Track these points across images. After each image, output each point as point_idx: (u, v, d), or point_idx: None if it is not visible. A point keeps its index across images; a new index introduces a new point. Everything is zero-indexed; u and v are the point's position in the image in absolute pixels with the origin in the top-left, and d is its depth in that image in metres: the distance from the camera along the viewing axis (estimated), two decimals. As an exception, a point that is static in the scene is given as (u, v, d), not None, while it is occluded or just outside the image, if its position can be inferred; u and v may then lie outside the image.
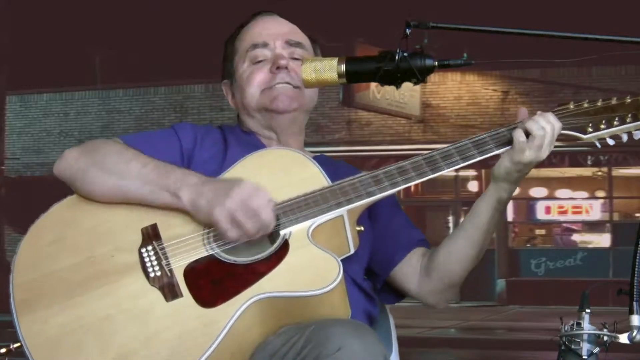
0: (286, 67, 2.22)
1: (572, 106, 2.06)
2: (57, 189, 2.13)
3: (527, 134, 1.99)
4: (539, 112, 2.03)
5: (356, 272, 2.16)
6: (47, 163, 19.74)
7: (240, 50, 2.29)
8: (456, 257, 2.15)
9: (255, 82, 2.24)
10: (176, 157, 2.15)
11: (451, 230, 17.88)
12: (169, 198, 1.98)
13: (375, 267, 2.25)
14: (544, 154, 1.99)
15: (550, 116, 2.01)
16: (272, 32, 2.28)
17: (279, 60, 2.22)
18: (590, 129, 2.04)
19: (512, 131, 2.02)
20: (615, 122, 2.03)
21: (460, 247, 2.14)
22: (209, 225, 1.97)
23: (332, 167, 2.21)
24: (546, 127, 1.99)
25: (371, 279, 2.26)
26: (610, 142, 2.05)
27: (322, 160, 2.26)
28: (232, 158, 2.13)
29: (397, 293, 2.28)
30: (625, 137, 2.05)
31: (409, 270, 2.23)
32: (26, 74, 20.27)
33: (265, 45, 2.26)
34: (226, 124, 2.37)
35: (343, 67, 2.02)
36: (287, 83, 2.22)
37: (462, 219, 19.63)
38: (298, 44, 2.28)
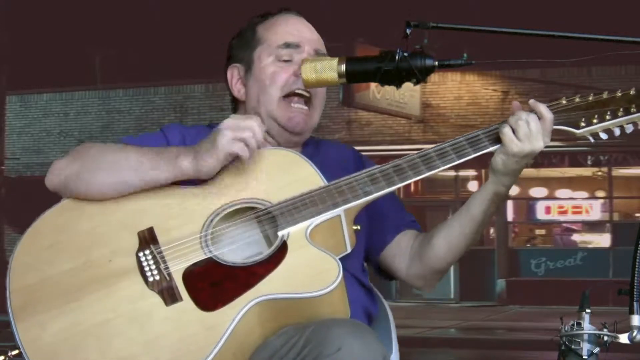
0: None
1: (564, 101, 2.07)
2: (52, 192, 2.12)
3: None
4: (530, 101, 2.03)
5: (355, 267, 2.16)
6: (47, 163, 19.52)
7: (268, 42, 2.24)
8: (448, 247, 2.15)
9: (279, 81, 2.20)
10: None
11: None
12: (169, 169, 1.99)
13: (367, 251, 2.25)
14: (538, 143, 1.98)
15: (540, 106, 2.01)
16: (306, 37, 2.25)
17: None
18: (583, 124, 2.05)
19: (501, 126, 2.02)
20: (607, 117, 2.04)
21: (453, 237, 2.14)
22: (210, 225, 1.96)
23: (319, 152, 2.25)
24: (527, 118, 1.98)
25: (368, 264, 2.27)
26: (604, 136, 2.06)
27: (311, 146, 2.29)
28: None
29: (386, 274, 2.29)
30: (617, 131, 2.05)
31: (398, 252, 2.23)
32: (26, 74, 20.27)
33: (297, 47, 2.23)
34: (217, 123, 2.34)
35: (343, 67, 2.02)
36: (307, 91, 2.19)
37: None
38: (324, 55, 2.25)
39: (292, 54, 2.22)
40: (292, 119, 2.20)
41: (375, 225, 2.24)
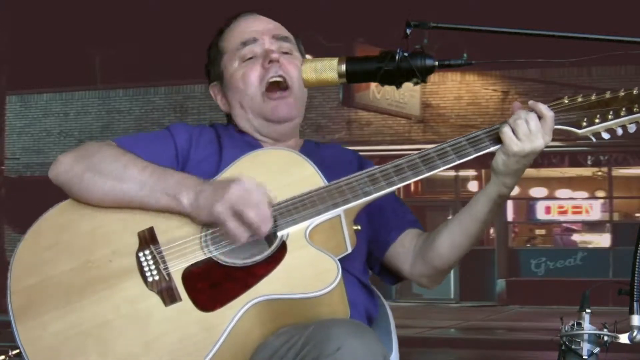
0: (278, 61, 2.21)
1: (566, 101, 2.06)
2: (57, 189, 2.12)
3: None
4: (530, 102, 2.03)
5: (356, 268, 2.16)
6: (47, 163, 19.56)
7: (229, 50, 2.28)
8: (451, 247, 2.15)
9: (252, 79, 2.22)
10: (171, 157, 2.15)
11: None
12: (168, 201, 1.98)
13: (371, 250, 2.25)
14: (538, 142, 1.97)
15: (540, 105, 2.00)
16: (259, 29, 2.27)
17: (270, 54, 2.21)
18: (585, 124, 2.04)
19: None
20: (609, 116, 2.03)
21: (456, 237, 2.14)
22: (210, 226, 1.97)
23: (319, 152, 2.24)
24: (526, 117, 1.98)
25: (368, 264, 2.27)
26: (606, 136, 2.05)
27: (309, 147, 2.28)
28: (228, 158, 2.12)
29: (393, 274, 2.29)
30: (620, 131, 2.04)
31: (402, 250, 2.23)
32: (26, 74, 20.28)
33: (254, 41, 2.25)
34: (218, 123, 2.36)
35: (343, 67, 2.02)
36: (280, 77, 2.20)
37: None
38: (285, 38, 2.28)
39: (253, 50, 2.25)
40: (275, 107, 2.21)
41: (378, 226, 2.24)
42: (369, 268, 2.30)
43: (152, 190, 1.99)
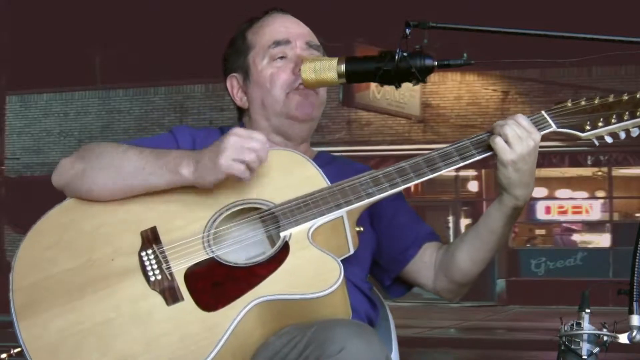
0: None
1: (569, 104, 2.05)
2: (57, 189, 2.13)
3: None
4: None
5: (356, 274, 2.15)
6: (47, 163, 19.75)
7: (259, 45, 2.26)
8: (472, 262, 2.17)
9: (279, 82, 2.21)
10: None
11: (451, 231, 17.75)
12: (170, 176, 1.98)
13: (384, 265, 2.25)
14: (529, 142, 1.96)
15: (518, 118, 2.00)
16: (294, 32, 2.26)
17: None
18: (588, 127, 2.03)
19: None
20: (612, 120, 2.02)
21: (477, 252, 2.15)
22: (212, 225, 1.96)
23: (334, 165, 2.23)
24: (511, 120, 1.98)
25: (378, 276, 2.27)
26: (609, 139, 2.05)
27: (324, 158, 2.26)
28: None
29: (407, 284, 2.29)
30: (623, 135, 2.04)
31: (422, 266, 2.24)
32: (26, 74, 20.27)
33: (287, 43, 2.24)
34: (227, 126, 2.33)
35: (343, 67, 2.02)
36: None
37: (462, 219, 19.48)
38: (317, 47, 2.27)
39: (285, 51, 2.24)
40: (300, 103, 2.22)
41: (395, 240, 2.24)
42: (378, 281, 2.29)
43: (153, 169, 1.99)
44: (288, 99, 2.21)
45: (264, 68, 2.24)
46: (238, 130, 1.96)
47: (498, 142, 1.97)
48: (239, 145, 1.93)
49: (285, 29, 2.26)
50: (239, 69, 2.29)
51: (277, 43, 2.24)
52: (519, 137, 1.96)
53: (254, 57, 2.26)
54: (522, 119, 1.99)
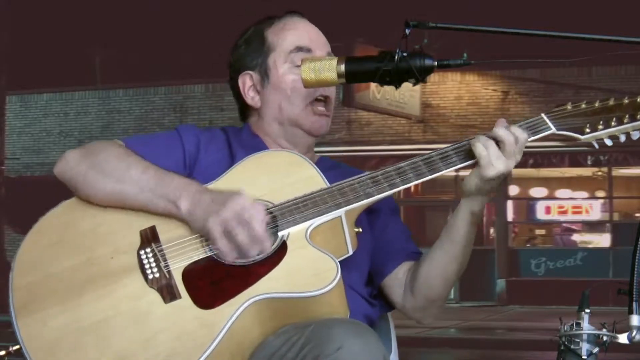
0: None
1: (569, 107, 2.05)
2: (57, 189, 2.13)
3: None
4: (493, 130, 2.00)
5: (354, 279, 2.14)
6: (47, 163, 19.74)
7: (280, 47, 2.23)
8: (436, 273, 2.12)
9: (302, 93, 2.19)
10: (179, 161, 2.13)
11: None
12: (167, 206, 1.97)
13: (372, 276, 2.23)
14: (510, 163, 1.96)
15: (499, 132, 1.98)
16: (316, 40, 2.25)
17: None
18: (587, 130, 2.03)
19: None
20: (612, 123, 2.02)
21: (440, 263, 2.11)
22: (204, 236, 1.96)
23: (335, 169, 2.23)
24: (510, 131, 1.97)
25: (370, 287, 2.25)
26: (608, 142, 2.04)
27: (326, 163, 2.27)
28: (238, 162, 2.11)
29: (387, 303, 2.25)
30: (623, 138, 2.04)
31: (395, 283, 2.20)
32: (26, 74, 20.28)
33: (309, 51, 2.22)
34: (231, 126, 2.31)
35: (342, 67, 2.01)
36: (327, 97, 2.22)
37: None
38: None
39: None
40: (315, 122, 2.22)
41: (380, 253, 2.22)
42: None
43: (152, 195, 1.98)
44: (306, 112, 2.21)
45: (285, 73, 2.22)
46: (241, 197, 1.91)
47: (483, 157, 1.96)
48: (233, 219, 1.88)
49: (307, 35, 2.25)
50: (256, 68, 2.26)
51: (300, 49, 2.22)
52: (507, 154, 1.96)
53: (275, 59, 2.23)
54: (520, 134, 1.97)
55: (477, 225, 2.09)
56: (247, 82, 2.27)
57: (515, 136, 1.97)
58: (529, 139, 2.01)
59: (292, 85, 2.20)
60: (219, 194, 1.94)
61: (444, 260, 2.10)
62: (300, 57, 2.18)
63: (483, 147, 1.97)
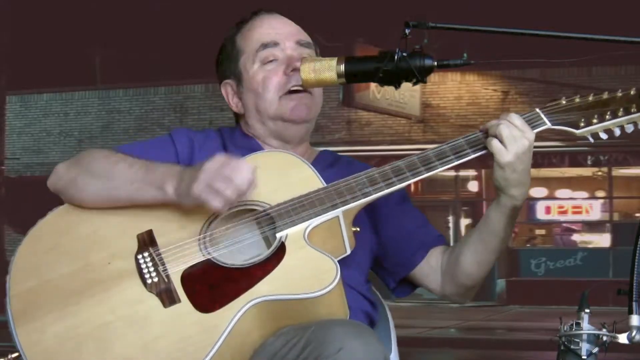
0: (299, 69, 2.18)
1: (564, 101, 2.06)
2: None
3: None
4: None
5: (354, 278, 2.14)
6: (47, 163, 19.73)
7: (248, 49, 2.24)
8: (477, 265, 2.15)
9: (271, 86, 2.19)
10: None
11: (451, 231, 17.73)
12: (155, 192, 1.97)
13: (390, 268, 2.25)
14: (523, 141, 1.96)
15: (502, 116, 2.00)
16: (282, 32, 2.24)
17: (294, 62, 2.18)
18: (582, 124, 2.04)
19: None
20: (607, 117, 2.03)
21: (481, 254, 2.14)
22: (209, 227, 1.96)
23: (337, 164, 2.24)
24: (505, 120, 1.97)
25: (383, 278, 2.27)
26: (603, 136, 2.05)
27: (327, 157, 2.27)
28: None
29: (412, 285, 2.29)
30: (618, 131, 2.04)
31: (429, 270, 2.23)
32: (26, 74, 20.26)
33: (275, 44, 2.22)
34: (225, 127, 2.33)
35: (342, 67, 2.01)
36: (301, 86, 2.16)
37: (462, 219, 19.45)
38: (308, 45, 2.26)
39: (274, 53, 2.22)
40: (295, 108, 2.20)
41: (402, 244, 2.23)
42: (383, 282, 2.29)
43: (140, 184, 1.99)
44: (281, 102, 2.20)
45: (255, 73, 2.22)
46: (218, 157, 1.92)
47: (494, 145, 1.97)
48: (214, 172, 1.89)
49: (272, 30, 2.24)
50: (232, 75, 2.28)
51: (265, 46, 2.22)
52: (513, 137, 1.96)
53: (245, 63, 2.24)
54: (516, 119, 1.97)
55: (515, 218, 2.10)
56: (229, 91, 2.29)
57: (507, 121, 1.96)
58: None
59: (262, 83, 2.21)
60: (197, 165, 1.94)
61: (484, 251, 2.13)
62: (267, 54, 2.21)
63: (495, 140, 1.97)
